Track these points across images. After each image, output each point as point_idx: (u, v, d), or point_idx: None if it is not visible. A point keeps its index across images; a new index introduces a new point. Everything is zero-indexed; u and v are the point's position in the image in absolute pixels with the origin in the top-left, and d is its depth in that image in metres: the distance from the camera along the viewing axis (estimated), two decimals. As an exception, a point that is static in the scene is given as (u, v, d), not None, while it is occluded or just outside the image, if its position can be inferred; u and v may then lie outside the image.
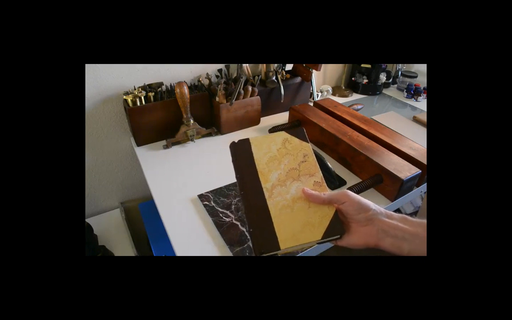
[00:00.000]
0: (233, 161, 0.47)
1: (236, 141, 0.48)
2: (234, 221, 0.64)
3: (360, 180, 0.74)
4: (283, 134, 0.48)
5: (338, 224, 0.39)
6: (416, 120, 1.12)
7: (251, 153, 0.47)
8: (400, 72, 1.40)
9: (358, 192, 0.66)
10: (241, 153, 0.47)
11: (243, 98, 0.95)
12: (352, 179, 0.77)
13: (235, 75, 1.02)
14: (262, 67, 1.08)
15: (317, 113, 0.95)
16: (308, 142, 0.46)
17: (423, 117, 1.11)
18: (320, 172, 0.44)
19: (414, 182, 0.72)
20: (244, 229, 0.62)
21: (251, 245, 0.54)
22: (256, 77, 0.99)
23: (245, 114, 0.98)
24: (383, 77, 1.33)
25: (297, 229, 0.40)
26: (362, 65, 1.32)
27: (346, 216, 0.40)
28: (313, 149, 0.48)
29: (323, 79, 1.38)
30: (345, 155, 0.81)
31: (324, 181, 0.43)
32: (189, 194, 0.71)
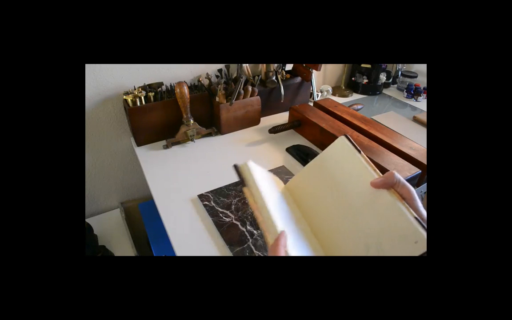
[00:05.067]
0: None
1: None
2: (234, 221, 0.64)
3: (360, 180, 0.74)
4: (250, 179, 0.40)
5: None
6: (416, 120, 1.12)
7: None
8: (400, 72, 1.40)
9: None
10: None
11: (243, 98, 0.95)
12: (352, 179, 0.77)
13: (235, 75, 1.02)
14: (262, 67, 1.08)
15: (317, 113, 0.95)
16: (243, 186, 0.38)
17: (423, 117, 1.11)
18: (263, 213, 0.36)
19: (414, 182, 0.72)
20: (244, 229, 0.62)
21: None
22: (256, 77, 0.99)
23: (245, 114, 0.98)
24: (383, 77, 1.33)
25: None
26: (362, 65, 1.32)
27: None
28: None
29: (323, 79, 1.38)
30: (345, 155, 0.81)
31: (268, 227, 0.35)
32: (189, 194, 0.71)
